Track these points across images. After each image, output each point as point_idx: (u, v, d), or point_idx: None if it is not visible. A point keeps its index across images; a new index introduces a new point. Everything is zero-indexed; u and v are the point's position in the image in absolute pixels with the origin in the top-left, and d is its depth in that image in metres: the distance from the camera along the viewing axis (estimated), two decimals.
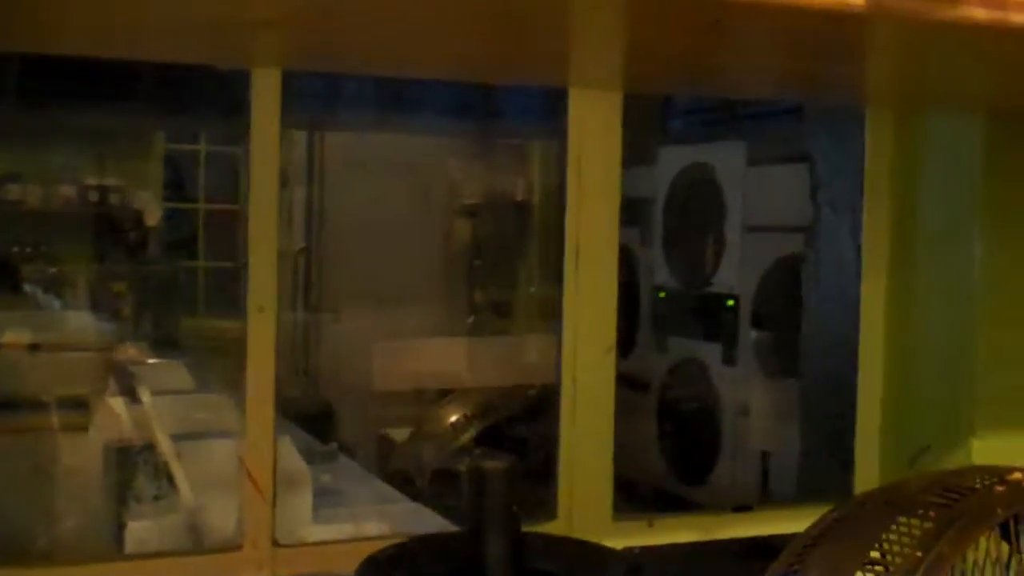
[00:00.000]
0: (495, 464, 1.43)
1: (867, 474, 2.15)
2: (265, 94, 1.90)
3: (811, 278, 4.60)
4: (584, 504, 1.98)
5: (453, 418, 4.88)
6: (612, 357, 2.03)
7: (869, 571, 1.27)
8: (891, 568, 1.25)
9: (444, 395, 5.25)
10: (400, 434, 5.18)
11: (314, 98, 6.72)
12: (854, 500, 1.39)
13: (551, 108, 7.32)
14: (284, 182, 6.89)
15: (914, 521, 1.27)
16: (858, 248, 2.20)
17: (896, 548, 1.26)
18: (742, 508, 2.08)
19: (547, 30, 1.33)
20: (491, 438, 4.77)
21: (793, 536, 1.31)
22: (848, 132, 2.52)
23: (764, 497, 4.90)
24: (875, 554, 1.28)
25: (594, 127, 2.05)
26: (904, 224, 2.15)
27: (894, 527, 1.27)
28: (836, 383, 3.18)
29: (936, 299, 2.13)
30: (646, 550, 1.96)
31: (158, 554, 2.45)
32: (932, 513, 1.27)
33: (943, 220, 2.13)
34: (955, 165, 2.13)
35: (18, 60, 6.33)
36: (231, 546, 1.87)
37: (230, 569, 1.84)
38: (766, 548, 2.06)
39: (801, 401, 4.74)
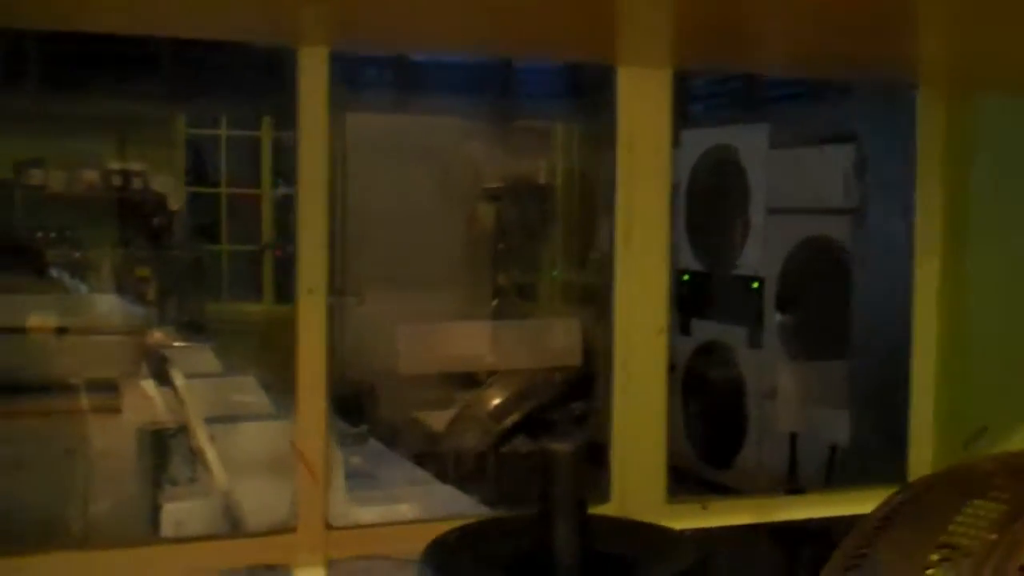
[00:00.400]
0: (563, 447, 1.41)
1: (921, 457, 2.13)
2: (312, 73, 1.88)
3: (858, 259, 4.58)
4: (637, 486, 1.96)
5: (495, 402, 4.87)
6: (664, 338, 2.01)
7: (942, 554, 1.25)
8: (965, 551, 1.23)
9: (472, 378, 5.24)
10: (429, 417, 5.17)
11: (336, 82, 6.67)
12: (920, 483, 1.36)
13: (573, 89, 7.32)
14: None
15: (987, 504, 1.25)
16: (909, 228, 2.17)
17: (970, 531, 1.24)
18: (795, 491, 2.06)
19: (595, 4, 1.30)
20: (528, 422, 4.75)
21: (850, 519, 1.29)
22: (898, 111, 2.49)
23: (792, 480, 4.88)
24: (947, 537, 1.26)
25: (644, 105, 2.02)
26: (957, 204, 2.13)
27: (966, 510, 1.25)
28: (885, 365, 3.16)
29: (991, 279, 2.11)
30: (699, 532, 1.94)
31: (212, 536, 2.44)
32: (1005, 495, 1.25)
33: (998, 200, 2.11)
34: (1010, 144, 2.10)
35: (40, 46, 6.32)
36: (284, 529, 1.86)
37: (285, 552, 1.83)
38: (822, 531, 2.05)
39: (846, 384, 4.72)
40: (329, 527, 1.84)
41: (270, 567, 1.93)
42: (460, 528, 1.49)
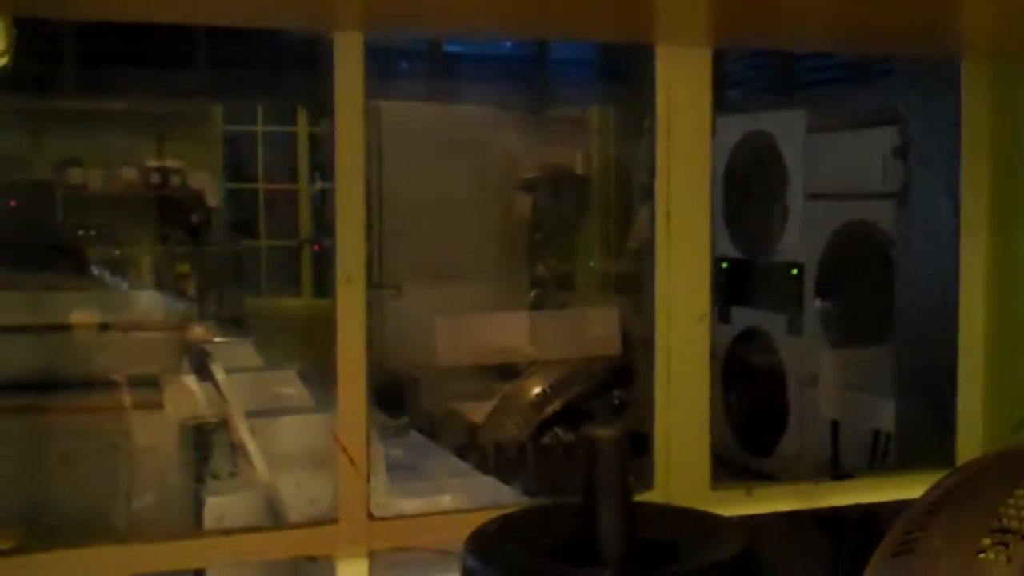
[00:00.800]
0: (608, 433, 1.39)
1: (970, 441, 2.10)
2: (348, 60, 1.87)
3: (900, 243, 4.53)
4: (681, 473, 1.94)
5: (535, 391, 4.86)
6: (707, 324, 1.99)
7: (994, 538, 1.22)
8: (1019, 534, 1.21)
9: (511, 368, 5.23)
10: (469, 408, 5.17)
11: (370, 73, 6.68)
12: (969, 466, 1.34)
13: (607, 76, 7.29)
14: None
15: None
16: (955, 210, 2.14)
17: (1022, 513, 1.22)
18: (842, 476, 2.03)
19: None
20: (568, 411, 4.74)
21: (897, 504, 1.26)
22: (942, 90, 2.44)
23: (835, 467, 4.84)
24: (999, 521, 1.23)
25: (683, 85, 2.00)
26: (1005, 181, 2.09)
27: (1017, 492, 1.23)
28: (929, 349, 3.11)
29: None
30: (744, 519, 1.92)
31: (255, 528, 2.45)
32: None
33: None
34: None
35: (77, 44, 6.36)
36: (326, 520, 1.85)
37: (327, 543, 1.82)
38: (868, 517, 2.02)
39: (889, 370, 4.67)
40: (372, 518, 1.84)
41: (313, 558, 1.93)
42: (503, 517, 1.48)
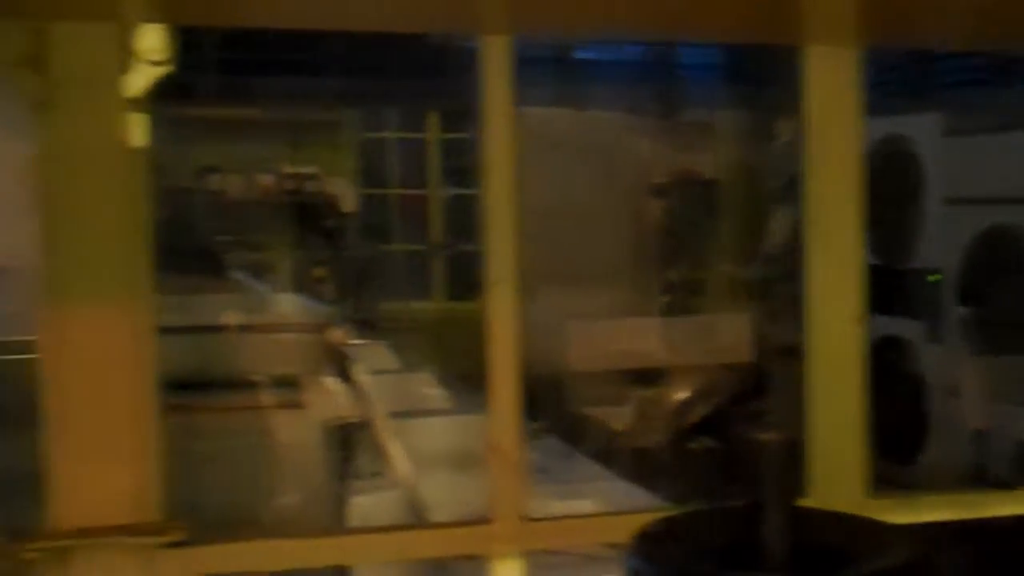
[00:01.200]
0: (774, 436, 1.38)
1: None
2: (495, 64, 1.89)
3: None
4: (837, 480, 1.91)
5: (678, 398, 4.84)
6: (861, 327, 1.96)
7: None
8: None
9: (644, 374, 5.21)
10: (604, 413, 5.17)
11: None
12: None
13: (736, 80, 7.21)
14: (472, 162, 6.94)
15: None
16: None
17: None
18: (1001, 485, 1.97)
19: None
20: (712, 419, 4.70)
21: None
22: None
23: (980, 478, 4.71)
24: None
25: (831, 88, 1.97)
26: None
27: None
28: None
29: None
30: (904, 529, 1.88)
31: (409, 527, 2.49)
32: None
33: None
34: None
35: (215, 52, 6.54)
36: (480, 520, 1.87)
37: (481, 542, 1.84)
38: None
39: None
40: (526, 519, 1.85)
41: (465, 558, 1.95)
42: (667, 519, 1.47)
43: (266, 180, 6.82)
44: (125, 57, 1.72)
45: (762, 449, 1.38)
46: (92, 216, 1.70)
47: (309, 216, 6.82)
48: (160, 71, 1.75)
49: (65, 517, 1.67)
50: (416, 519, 3.31)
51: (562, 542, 1.91)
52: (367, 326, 5.77)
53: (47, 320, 1.69)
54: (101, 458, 1.69)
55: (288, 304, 4.85)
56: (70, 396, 1.68)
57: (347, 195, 7.05)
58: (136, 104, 1.76)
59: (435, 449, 3.68)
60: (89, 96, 1.71)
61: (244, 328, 4.10)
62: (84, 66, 1.71)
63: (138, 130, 1.76)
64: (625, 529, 1.43)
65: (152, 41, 1.75)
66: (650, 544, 1.40)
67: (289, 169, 6.94)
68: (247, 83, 6.43)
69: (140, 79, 1.75)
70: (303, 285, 6.21)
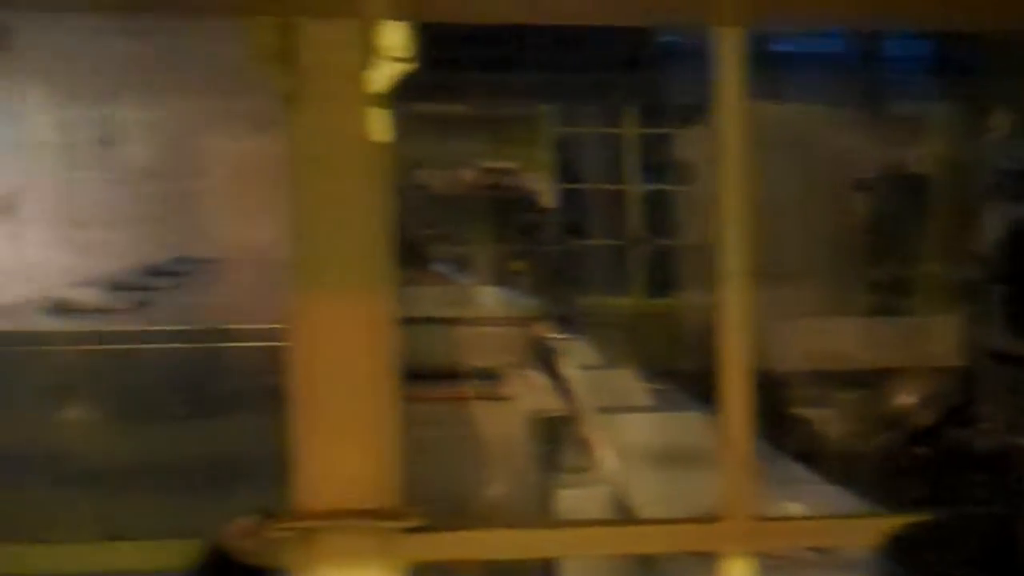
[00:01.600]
0: None
1: None
2: (730, 56, 1.86)
3: None
4: None
5: (902, 402, 4.71)
6: None
7: None
8: None
9: (851, 375, 5.08)
10: (810, 414, 5.05)
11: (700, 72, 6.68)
12: None
13: (944, 71, 6.95)
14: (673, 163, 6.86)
15: None
16: None
17: None
18: None
19: None
20: (939, 423, 4.54)
21: None
22: None
23: None
24: None
25: None
26: None
27: None
28: None
29: None
30: None
31: (636, 521, 2.49)
32: None
33: None
34: None
35: (427, 53, 6.67)
36: (708, 517, 1.85)
37: (710, 540, 1.82)
38: None
39: None
40: (757, 518, 1.82)
41: (691, 556, 1.94)
42: (918, 524, 1.43)
43: (467, 175, 6.92)
44: (369, 53, 1.77)
45: (1018, 457, 1.32)
46: (339, 209, 1.75)
47: (508, 210, 6.89)
48: (402, 67, 1.80)
49: (311, 499, 1.73)
50: (622, 515, 3.30)
51: (793, 543, 1.88)
52: (564, 320, 5.78)
53: (297, 309, 1.75)
54: (345, 443, 1.74)
55: (491, 297, 4.91)
56: (317, 382, 1.74)
57: (545, 190, 7.09)
58: (379, 99, 1.81)
59: (640, 446, 3.67)
60: (335, 91, 1.77)
61: (451, 321, 4.16)
62: (330, 62, 1.76)
63: (381, 125, 1.80)
64: (860, 532, 1.40)
65: (395, 38, 1.79)
66: (904, 549, 1.36)
67: (489, 164, 7.02)
68: (452, 79, 6.53)
69: (383, 75, 1.80)
70: (502, 279, 6.27)
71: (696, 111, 6.90)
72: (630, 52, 7.06)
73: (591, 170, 7.78)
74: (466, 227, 6.70)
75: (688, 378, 5.09)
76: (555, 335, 4.84)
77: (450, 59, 6.65)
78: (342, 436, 1.73)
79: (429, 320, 4.14)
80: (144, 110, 6.60)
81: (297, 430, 1.75)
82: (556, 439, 3.72)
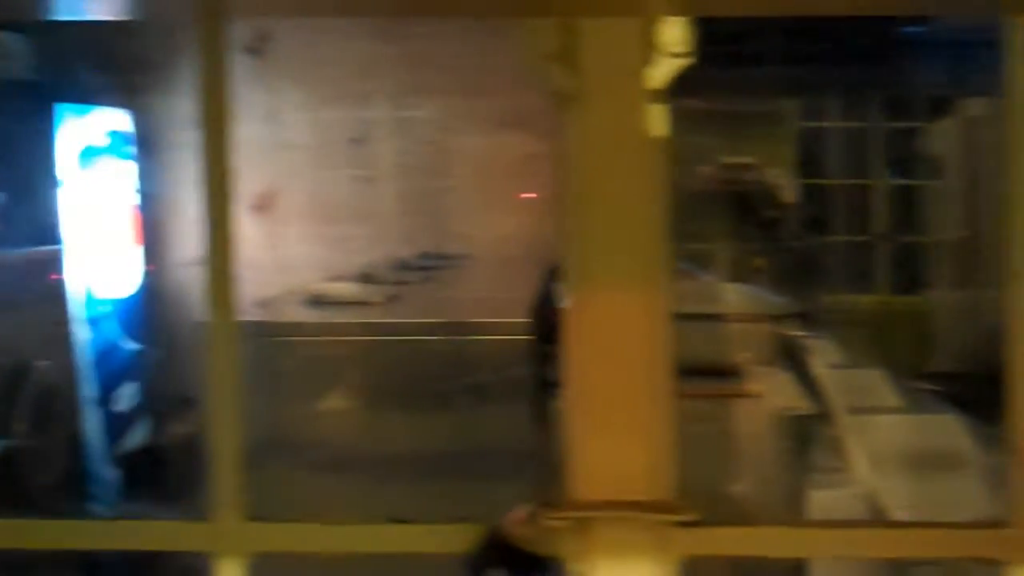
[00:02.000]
0: None
1: None
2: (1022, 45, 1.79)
3: None
4: None
5: None
6: None
7: None
8: None
9: None
10: None
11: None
12: None
13: None
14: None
15: None
16: None
17: None
18: None
19: None
20: None
21: None
22: None
23: None
24: None
25: None
26: None
27: None
28: None
29: None
30: None
31: (915, 524, 2.43)
32: None
33: None
34: None
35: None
36: (996, 522, 1.79)
37: (997, 546, 1.76)
38: None
39: None
40: None
41: (978, 560, 1.87)
42: None
43: (706, 170, 6.87)
44: (649, 50, 1.79)
45: None
46: (618, 204, 1.78)
47: (747, 206, 6.80)
48: (681, 63, 1.81)
49: (585, 490, 1.76)
50: (876, 518, 3.22)
51: None
52: (807, 318, 5.67)
53: (574, 303, 1.78)
54: (620, 436, 1.76)
55: (735, 294, 4.86)
56: (593, 375, 1.77)
57: (786, 185, 6.97)
58: (658, 95, 1.82)
59: (892, 447, 3.56)
60: (615, 88, 1.79)
61: (702, 316, 4.14)
62: (611, 60, 1.78)
63: (659, 120, 1.82)
64: None
65: (674, 34, 1.80)
66: None
67: (728, 159, 6.94)
68: (691, 74, 6.49)
69: (662, 71, 1.81)
70: (741, 275, 6.19)
71: (944, 104, 6.66)
72: (874, 44, 6.85)
73: (834, 165, 7.60)
74: (705, 222, 6.64)
75: (941, 379, 4.90)
76: (800, 333, 4.75)
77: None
78: (617, 428, 1.76)
79: (682, 316, 4.13)
80: (393, 110, 6.84)
81: (573, 421, 1.78)
82: (806, 438, 3.66)
